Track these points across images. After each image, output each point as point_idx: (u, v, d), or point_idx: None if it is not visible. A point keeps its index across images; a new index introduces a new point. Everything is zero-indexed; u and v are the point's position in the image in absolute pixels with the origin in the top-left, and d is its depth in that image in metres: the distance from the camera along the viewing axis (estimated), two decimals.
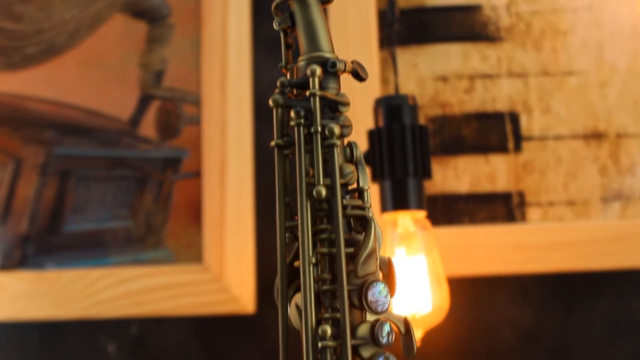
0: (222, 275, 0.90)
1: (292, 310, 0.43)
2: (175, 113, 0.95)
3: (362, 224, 0.43)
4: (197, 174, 0.93)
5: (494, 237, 0.89)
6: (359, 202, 0.43)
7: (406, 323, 0.44)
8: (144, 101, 0.95)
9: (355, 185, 0.44)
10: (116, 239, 0.92)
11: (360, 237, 0.43)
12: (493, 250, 0.88)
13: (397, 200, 0.75)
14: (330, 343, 0.41)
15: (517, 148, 0.91)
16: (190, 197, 0.93)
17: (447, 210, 0.90)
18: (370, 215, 0.43)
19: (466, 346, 0.87)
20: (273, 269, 0.44)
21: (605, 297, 0.87)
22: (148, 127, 0.94)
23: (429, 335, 0.82)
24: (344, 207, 0.42)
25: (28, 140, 0.95)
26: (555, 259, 0.88)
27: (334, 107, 0.43)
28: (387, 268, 0.44)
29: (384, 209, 0.75)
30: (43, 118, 0.95)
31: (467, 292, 0.88)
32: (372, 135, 0.76)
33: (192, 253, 0.91)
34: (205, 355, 0.89)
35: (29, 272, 0.92)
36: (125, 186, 0.93)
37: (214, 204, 0.91)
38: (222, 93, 0.94)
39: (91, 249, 0.92)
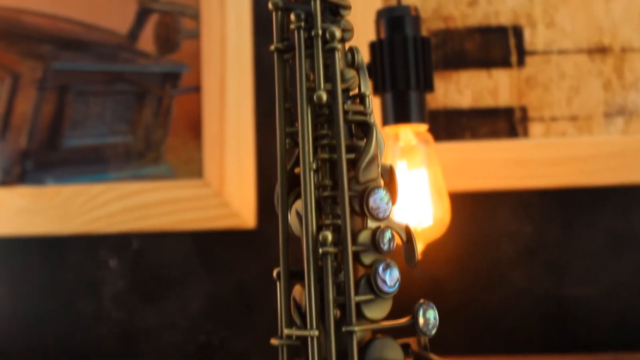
0: (223, 190, 0.90)
1: (292, 217, 0.43)
2: (174, 27, 0.93)
3: (364, 129, 0.42)
4: (196, 89, 0.92)
5: (496, 152, 0.88)
6: (360, 108, 0.42)
7: (408, 231, 0.43)
8: (142, 14, 0.94)
9: (356, 91, 0.43)
10: (116, 154, 0.92)
11: (362, 143, 0.42)
12: (495, 165, 0.88)
13: (398, 113, 0.74)
14: (331, 249, 0.40)
15: (520, 62, 0.90)
16: (190, 112, 0.92)
17: (449, 125, 0.90)
18: (372, 121, 0.42)
19: (466, 260, 0.87)
20: (274, 183, 0.44)
21: (607, 212, 0.87)
22: (146, 41, 0.93)
23: (429, 250, 0.82)
24: (345, 112, 0.41)
25: (25, 55, 0.94)
26: (557, 174, 0.87)
27: (335, 11, 0.42)
28: (388, 175, 0.44)
29: (385, 122, 0.75)
30: (40, 32, 0.94)
31: (468, 207, 0.87)
32: (374, 47, 0.75)
33: (192, 168, 0.91)
34: (206, 269, 0.90)
35: (29, 188, 0.92)
36: (124, 101, 0.93)
37: (213, 119, 0.91)
38: (221, 6, 0.92)
39: (91, 164, 0.92)
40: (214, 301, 0.89)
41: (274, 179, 0.43)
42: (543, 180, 0.87)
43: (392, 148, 0.76)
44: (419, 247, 0.74)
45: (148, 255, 0.90)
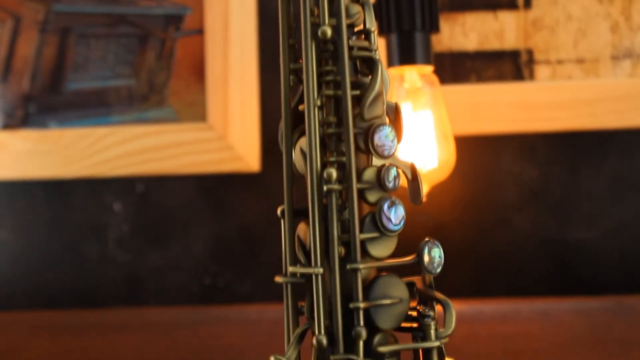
0: (226, 133, 0.89)
1: (296, 155, 0.43)
2: None
3: (369, 66, 0.42)
4: (199, 31, 0.91)
5: (502, 95, 0.88)
6: (365, 44, 0.42)
7: (413, 169, 0.43)
8: None
9: (361, 27, 0.42)
10: (119, 98, 0.91)
11: (367, 79, 0.41)
12: (500, 108, 0.87)
13: (403, 54, 0.73)
14: (336, 186, 0.40)
15: (527, 4, 0.89)
16: (193, 55, 0.91)
17: (454, 68, 0.89)
18: (377, 57, 0.41)
19: (471, 204, 0.87)
20: (278, 126, 0.43)
21: (612, 155, 0.87)
22: None
23: (433, 193, 0.82)
24: (350, 48, 0.41)
25: None
26: (562, 117, 0.87)
27: None
28: (394, 113, 0.43)
29: (390, 63, 0.74)
30: None
31: (473, 150, 0.87)
32: None
33: (196, 111, 0.91)
34: (210, 213, 0.90)
35: (32, 131, 0.91)
36: (126, 44, 0.92)
37: (217, 61, 0.90)
38: None
39: (94, 107, 0.91)
40: (218, 244, 0.89)
41: (279, 121, 0.43)
42: (548, 124, 0.87)
43: (397, 90, 0.76)
44: (424, 189, 0.74)
45: (152, 199, 0.91)
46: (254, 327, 0.77)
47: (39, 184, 0.91)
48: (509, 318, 0.76)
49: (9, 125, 0.92)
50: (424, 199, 0.83)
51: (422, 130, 0.75)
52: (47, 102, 0.92)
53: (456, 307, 0.42)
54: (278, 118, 0.43)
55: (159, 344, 0.78)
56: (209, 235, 0.90)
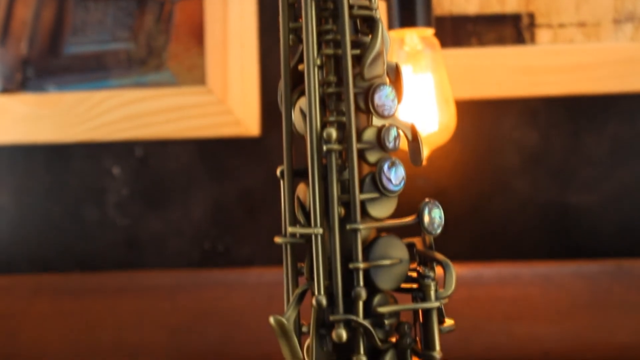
0: (226, 97, 0.89)
1: (296, 115, 0.42)
2: None
3: (369, 25, 0.41)
4: None
5: (502, 59, 0.87)
6: (365, 2, 0.41)
7: (413, 130, 0.43)
8: None
9: None
10: (117, 61, 0.91)
11: (367, 39, 0.41)
12: (501, 72, 0.87)
13: (404, 17, 0.73)
14: (336, 146, 0.40)
15: None
16: (192, 18, 0.90)
17: (455, 32, 0.88)
18: (378, 16, 0.41)
19: (471, 168, 0.87)
20: (278, 89, 0.43)
21: (613, 119, 0.87)
22: None
23: (434, 158, 0.82)
24: (350, 6, 0.40)
25: None
26: (563, 81, 0.86)
27: None
28: (394, 74, 0.43)
29: (390, 26, 0.74)
30: None
31: (474, 114, 0.87)
32: None
33: (195, 75, 0.90)
34: (210, 177, 0.89)
35: (31, 95, 0.91)
36: (125, 7, 0.91)
37: (216, 24, 0.89)
38: None
39: (92, 71, 0.91)
40: (218, 208, 0.89)
41: (278, 84, 0.43)
42: (549, 88, 0.87)
43: (397, 53, 0.75)
44: (424, 152, 0.73)
45: (151, 163, 0.90)
46: (254, 290, 0.78)
47: (38, 148, 0.91)
48: (508, 282, 0.76)
49: (7, 89, 0.91)
50: (424, 162, 0.82)
51: (423, 94, 0.75)
52: (46, 65, 0.91)
53: (455, 271, 0.42)
54: (278, 82, 0.43)
55: (158, 307, 0.78)
56: (209, 200, 0.89)
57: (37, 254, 0.90)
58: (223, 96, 0.89)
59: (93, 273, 0.84)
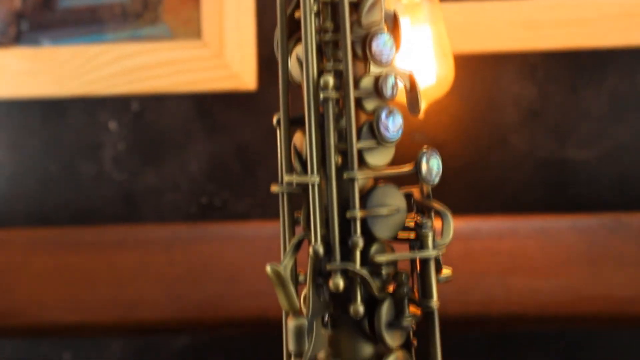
0: (222, 51, 0.88)
1: (292, 63, 0.42)
2: None
3: None
4: None
5: (502, 13, 0.86)
6: None
7: (411, 79, 0.42)
8: None
9: None
10: (112, 15, 0.90)
11: None
12: (500, 26, 0.86)
13: None
14: (332, 94, 0.39)
15: None
16: None
17: None
18: None
19: (469, 123, 0.87)
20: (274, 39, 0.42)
21: (612, 74, 0.86)
22: None
23: (431, 113, 0.82)
24: None
25: None
26: (563, 35, 0.86)
27: None
28: (392, 22, 0.42)
29: None
30: None
31: (472, 69, 0.86)
32: None
33: (191, 28, 0.89)
34: (206, 132, 0.89)
35: (26, 49, 0.90)
36: None
37: None
38: None
39: (87, 25, 0.90)
40: (214, 163, 0.89)
41: (274, 32, 0.42)
42: (549, 42, 0.86)
43: (395, 5, 0.74)
44: (422, 103, 0.73)
45: (148, 118, 0.90)
46: (251, 244, 0.78)
47: (33, 102, 0.90)
48: (506, 235, 0.76)
49: (1, 43, 0.91)
50: (422, 115, 0.82)
51: (420, 46, 0.74)
52: (40, 19, 0.91)
53: (453, 221, 0.42)
54: (275, 34, 0.42)
55: (156, 260, 0.78)
56: (205, 154, 0.89)
57: (34, 208, 0.89)
58: (219, 50, 0.88)
59: (90, 227, 0.84)
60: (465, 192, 0.85)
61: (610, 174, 0.85)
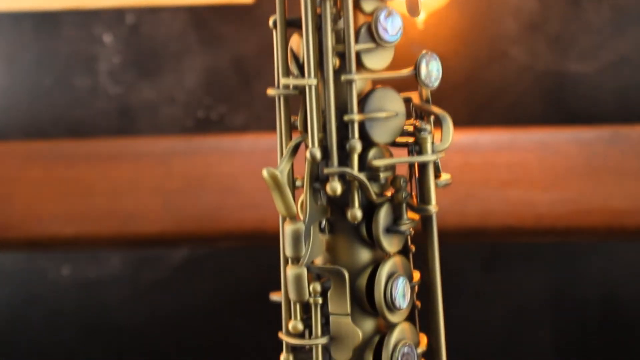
0: None
1: None
2: None
3: None
4: None
5: None
6: None
7: None
8: None
9: None
10: None
11: None
12: None
13: None
14: None
15: None
16: None
17: None
18: None
19: (469, 36, 0.85)
20: None
21: None
22: None
23: (430, 23, 0.81)
24: None
25: None
26: None
27: None
28: None
29: None
30: None
31: None
32: None
33: None
34: (203, 45, 0.88)
35: None
36: None
37: None
38: None
39: None
40: (211, 76, 0.88)
41: None
42: None
43: None
44: (420, 16, 0.72)
45: (143, 31, 0.89)
46: (248, 156, 0.77)
47: (26, 15, 0.89)
48: (504, 148, 0.75)
49: None
50: (420, 26, 0.81)
51: None
52: None
53: (452, 124, 0.42)
54: None
55: (152, 173, 0.78)
56: (202, 68, 0.88)
57: (29, 122, 0.89)
58: None
59: (86, 140, 0.84)
60: (464, 105, 0.85)
61: (610, 87, 0.84)
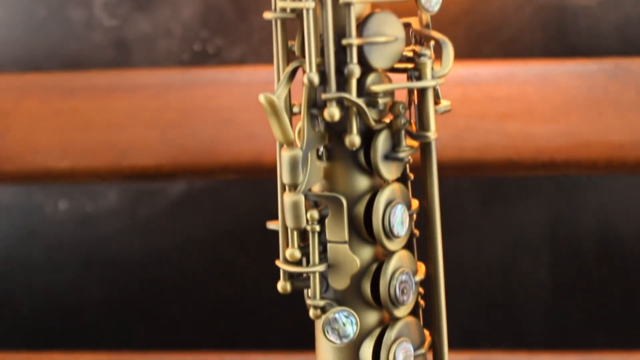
0: None
1: None
2: None
3: None
4: None
5: None
6: None
7: None
8: None
9: None
10: None
11: None
12: None
13: None
14: None
15: None
16: None
17: None
18: None
19: None
20: None
21: None
22: None
23: None
24: None
25: None
26: None
27: None
28: None
29: None
30: None
31: None
32: None
33: None
34: None
35: None
36: None
37: None
38: None
39: None
40: (207, 9, 0.87)
41: None
42: None
43: None
44: None
45: None
46: (245, 88, 0.76)
47: None
48: (504, 80, 0.74)
49: None
50: None
51: None
52: None
53: (453, 48, 0.41)
54: None
55: (149, 105, 0.77)
56: (199, 0, 0.87)
57: (23, 54, 0.88)
58: None
59: (81, 72, 0.83)
60: (463, 37, 0.84)
61: (612, 19, 0.83)
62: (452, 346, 0.45)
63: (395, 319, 0.42)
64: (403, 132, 0.41)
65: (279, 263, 0.42)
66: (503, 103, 0.74)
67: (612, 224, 0.86)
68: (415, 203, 0.43)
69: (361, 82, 0.39)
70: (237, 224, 0.89)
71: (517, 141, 0.73)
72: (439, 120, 0.42)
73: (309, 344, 0.47)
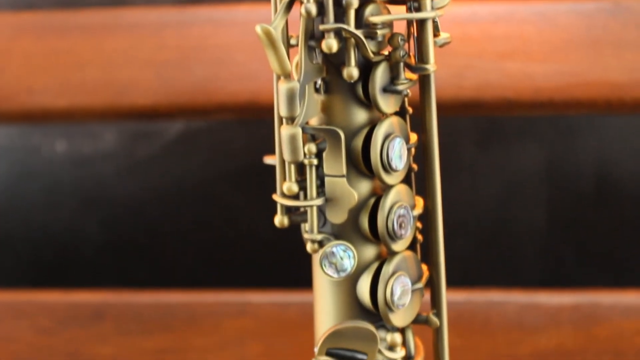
0: None
1: None
2: None
3: None
4: None
5: None
6: None
7: None
8: None
9: None
10: None
11: None
12: None
13: None
14: None
15: None
16: None
17: None
18: None
19: None
20: None
21: None
22: None
23: None
24: None
25: None
26: None
27: None
28: None
29: None
30: None
31: None
32: None
33: None
34: None
35: None
36: None
37: None
38: None
39: None
40: None
41: None
42: None
43: None
44: None
45: None
46: (242, 27, 0.76)
47: None
48: (502, 19, 0.74)
49: None
50: None
51: None
52: None
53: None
54: None
55: (145, 44, 0.76)
56: None
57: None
58: None
59: (77, 10, 0.82)
60: None
61: None
62: (449, 283, 0.45)
63: (392, 253, 0.42)
64: (402, 65, 0.40)
65: (276, 197, 0.42)
66: (501, 42, 0.73)
67: (609, 164, 0.86)
68: (413, 137, 0.43)
69: (359, 13, 0.39)
70: (234, 164, 0.89)
71: (515, 80, 0.73)
72: (437, 59, 0.41)
73: (307, 283, 0.47)
